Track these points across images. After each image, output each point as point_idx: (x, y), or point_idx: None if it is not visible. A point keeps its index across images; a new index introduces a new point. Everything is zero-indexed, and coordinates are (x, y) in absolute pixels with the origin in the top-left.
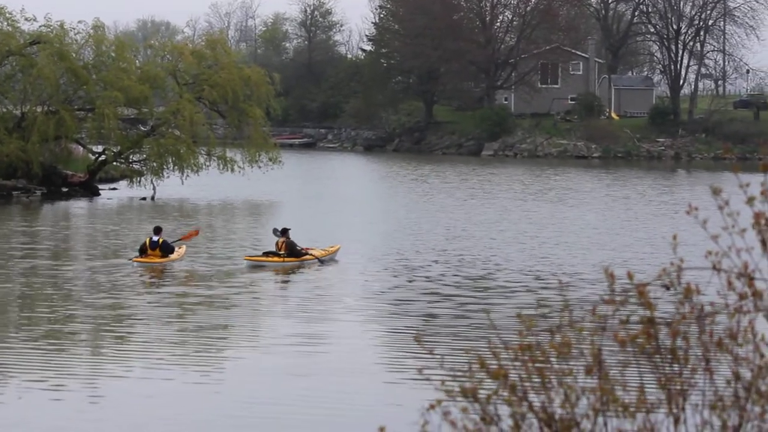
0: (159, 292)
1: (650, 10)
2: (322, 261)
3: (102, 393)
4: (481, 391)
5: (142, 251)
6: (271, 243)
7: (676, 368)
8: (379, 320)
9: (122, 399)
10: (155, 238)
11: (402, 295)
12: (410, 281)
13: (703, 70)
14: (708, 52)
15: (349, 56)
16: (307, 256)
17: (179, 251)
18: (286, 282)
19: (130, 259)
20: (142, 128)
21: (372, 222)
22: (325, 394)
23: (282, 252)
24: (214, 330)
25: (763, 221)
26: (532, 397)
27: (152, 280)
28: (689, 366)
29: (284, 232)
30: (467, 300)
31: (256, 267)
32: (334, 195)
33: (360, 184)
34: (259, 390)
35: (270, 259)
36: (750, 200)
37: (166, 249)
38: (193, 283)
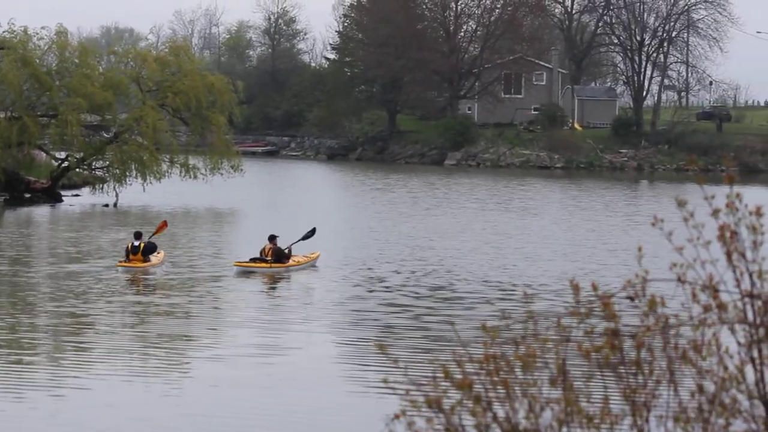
0: (121, 300)
1: (614, 21)
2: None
3: (61, 402)
4: (446, 402)
5: (126, 256)
6: (236, 250)
7: (640, 380)
8: (342, 331)
9: (82, 409)
10: (136, 243)
11: (364, 306)
12: (371, 291)
13: (666, 81)
14: (671, 63)
15: (313, 65)
16: (292, 262)
17: (159, 256)
18: (248, 291)
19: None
20: (105, 135)
21: (335, 231)
22: (288, 404)
23: (269, 258)
24: (175, 340)
25: (728, 233)
26: (497, 407)
27: (117, 287)
28: (653, 378)
29: (272, 238)
30: (430, 311)
31: (245, 273)
32: (297, 204)
33: (323, 193)
34: (221, 401)
35: (258, 264)
36: (715, 212)
37: (147, 251)
38: (154, 292)
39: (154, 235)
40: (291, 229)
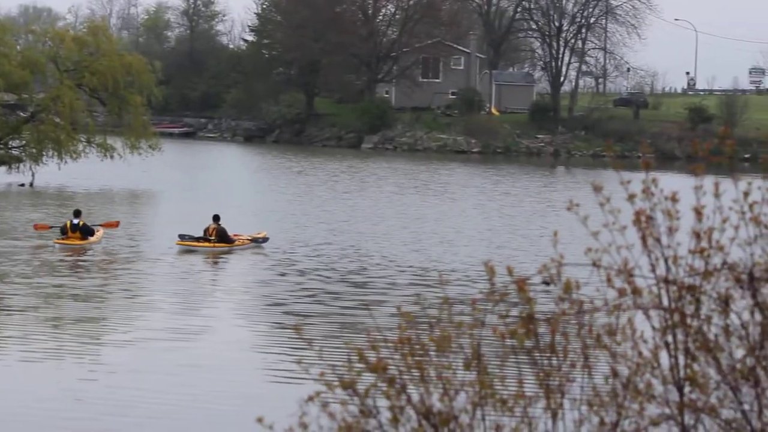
0: (35, 282)
1: (532, 6)
2: (257, 241)
3: None
4: (360, 384)
5: (62, 233)
6: (154, 231)
7: (554, 364)
8: (257, 315)
9: None
10: (75, 221)
11: (279, 290)
12: (283, 275)
13: (584, 67)
14: (589, 49)
15: (231, 46)
16: (237, 242)
17: (98, 234)
18: (161, 275)
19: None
20: (22, 114)
21: (251, 214)
22: (202, 386)
23: (213, 237)
24: (85, 323)
25: (643, 218)
26: (411, 390)
27: (31, 268)
28: (568, 362)
29: (216, 218)
30: (344, 295)
31: (187, 251)
32: (213, 187)
33: (240, 175)
34: (137, 383)
35: (200, 244)
36: (631, 197)
37: (86, 231)
38: (68, 274)
39: (102, 225)
40: (209, 213)
